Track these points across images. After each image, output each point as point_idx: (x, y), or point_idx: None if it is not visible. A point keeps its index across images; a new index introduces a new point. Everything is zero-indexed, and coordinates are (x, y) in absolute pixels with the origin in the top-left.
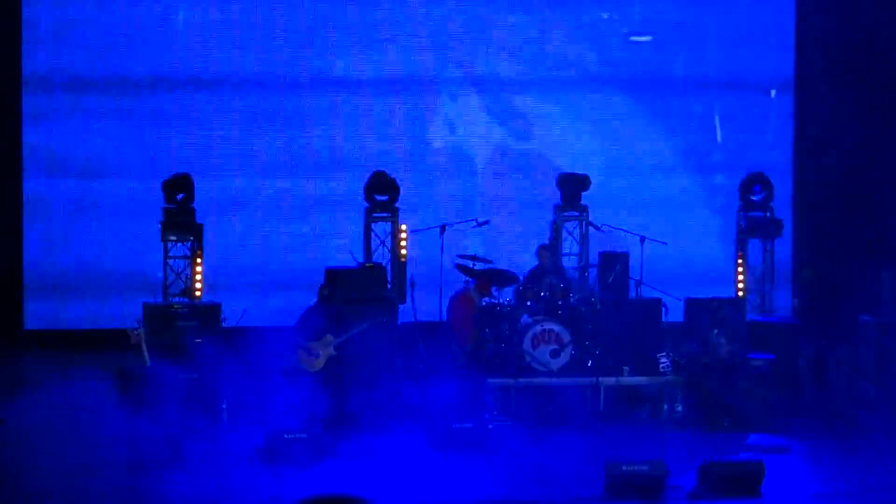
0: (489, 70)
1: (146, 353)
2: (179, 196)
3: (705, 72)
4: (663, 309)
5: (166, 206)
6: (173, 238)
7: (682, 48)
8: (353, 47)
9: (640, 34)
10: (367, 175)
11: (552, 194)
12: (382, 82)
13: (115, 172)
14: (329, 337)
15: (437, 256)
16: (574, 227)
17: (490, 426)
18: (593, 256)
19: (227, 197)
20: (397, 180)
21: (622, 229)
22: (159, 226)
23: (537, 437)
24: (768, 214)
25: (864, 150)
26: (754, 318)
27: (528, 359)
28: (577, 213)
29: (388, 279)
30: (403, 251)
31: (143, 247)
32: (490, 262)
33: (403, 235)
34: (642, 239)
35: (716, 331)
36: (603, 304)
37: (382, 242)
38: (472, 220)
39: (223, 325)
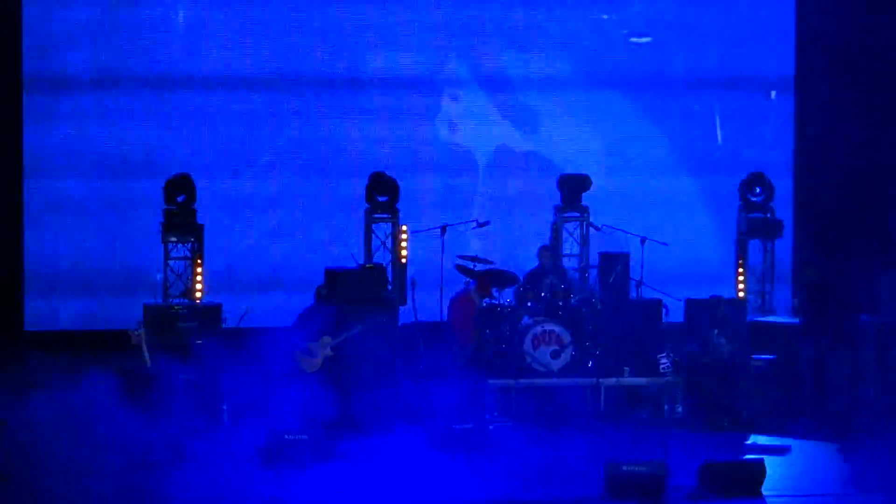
0: (490, 70)
1: (147, 355)
2: (180, 197)
3: (706, 71)
4: (664, 309)
5: (167, 207)
6: (174, 239)
7: (682, 48)
8: (354, 47)
9: (639, 35)
10: (368, 175)
11: (552, 195)
12: (383, 82)
13: (116, 172)
14: (326, 338)
15: (438, 257)
16: (574, 228)
17: (491, 427)
18: (594, 257)
19: (228, 196)
20: (398, 180)
21: (622, 230)
22: (160, 227)
23: (538, 437)
24: (768, 215)
25: (864, 149)
26: (754, 319)
27: (528, 359)
28: (577, 214)
29: (389, 280)
30: (404, 252)
31: (143, 247)
32: (491, 262)
33: (404, 236)
34: (643, 240)
35: (716, 331)
36: (603, 305)
37: (383, 243)
38: (473, 220)
39: (224, 325)
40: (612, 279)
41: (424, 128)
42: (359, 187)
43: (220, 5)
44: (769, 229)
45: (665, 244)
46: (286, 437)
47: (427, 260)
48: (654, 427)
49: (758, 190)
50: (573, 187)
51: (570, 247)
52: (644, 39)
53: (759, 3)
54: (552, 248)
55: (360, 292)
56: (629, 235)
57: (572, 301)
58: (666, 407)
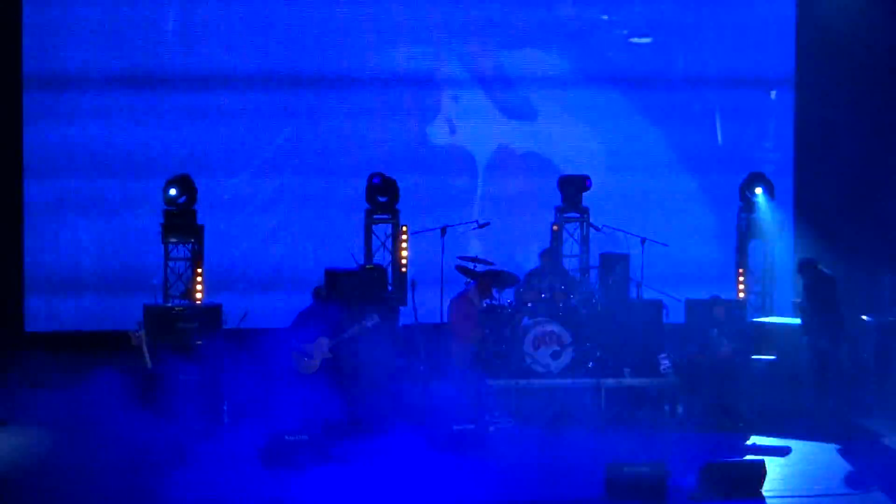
0: (489, 70)
1: (147, 355)
2: (181, 199)
3: (706, 70)
4: (664, 310)
5: (167, 208)
6: (174, 240)
7: (682, 47)
8: (354, 46)
9: (640, 36)
10: (368, 174)
11: (553, 195)
12: (383, 81)
13: (116, 172)
14: (323, 340)
15: (438, 258)
16: (575, 229)
17: (491, 428)
18: (594, 258)
19: (229, 195)
20: (398, 180)
21: (622, 230)
22: (160, 227)
23: (538, 438)
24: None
25: (865, 149)
26: (755, 319)
27: (528, 360)
28: (577, 215)
29: (389, 281)
30: (404, 253)
31: (144, 248)
32: (491, 263)
33: (404, 237)
34: (643, 240)
35: (716, 330)
36: (604, 306)
37: (383, 244)
38: (473, 221)
39: (224, 326)
40: (612, 280)
41: (424, 128)
42: (359, 187)
43: (221, 4)
44: (769, 230)
45: (665, 245)
46: (286, 438)
47: (427, 261)
48: (655, 428)
49: (761, 190)
50: (573, 188)
51: (570, 247)
52: (644, 40)
53: (759, 2)
54: (553, 250)
55: (361, 293)
56: (629, 236)
57: (572, 302)
58: (666, 408)
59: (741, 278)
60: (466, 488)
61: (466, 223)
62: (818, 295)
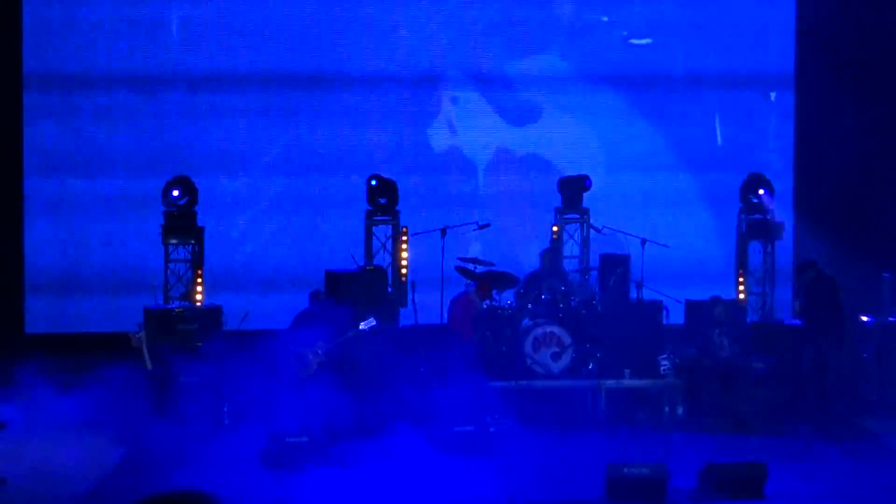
0: (489, 70)
1: (147, 357)
2: (182, 200)
3: (706, 70)
4: (664, 311)
5: (167, 209)
6: (174, 241)
7: (682, 46)
8: (354, 46)
9: (640, 37)
10: (368, 176)
11: (553, 195)
12: (383, 82)
13: (117, 171)
14: (320, 343)
15: (439, 259)
16: (575, 230)
17: (491, 429)
18: (594, 259)
19: (229, 196)
20: (398, 181)
21: (623, 232)
22: (161, 229)
23: (539, 439)
24: (769, 217)
25: (865, 149)
26: (755, 320)
27: (529, 361)
28: (577, 216)
29: (389, 282)
30: (404, 254)
31: (144, 248)
32: (492, 264)
33: (404, 238)
34: (643, 241)
35: (717, 330)
36: (604, 307)
37: (383, 245)
38: (474, 222)
39: (224, 328)
40: (612, 281)
41: (424, 129)
42: (359, 188)
43: (221, 3)
44: (769, 231)
45: (666, 246)
46: (287, 439)
47: (427, 262)
48: (655, 429)
49: (762, 192)
50: (573, 189)
51: (570, 248)
52: (644, 41)
53: (759, 1)
54: (554, 251)
55: (361, 294)
56: (629, 237)
57: (573, 303)
58: (667, 409)
59: (741, 279)
60: (467, 489)
61: (467, 224)
62: (819, 296)
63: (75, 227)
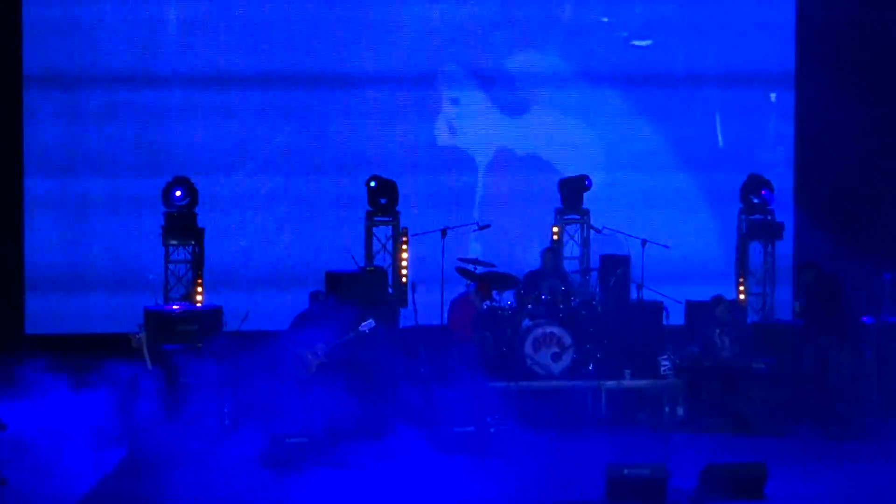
0: (489, 69)
1: (148, 358)
2: (183, 201)
3: (706, 68)
4: (664, 312)
5: (167, 209)
6: (174, 243)
7: (682, 46)
8: (354, 46)
9: (640, 38)
10: (368, 176)
11: (553, 195)
12: (383, 81)
13: (116, 171)
14: (320, 344)
15: (439, 259)
16: (575, 231)
17: (492, 430)
18: (594, 259)
19: (229, 195)
20: (398, 181)
21: (623, 232)
22: (161, 230)
23: (539, 440)
24: (769, 217)
25: (865, 148)
26: (756, 321)
27: (529, 362)
28: (578, 217)
29: (389, 283)
30: (405, 254)
31: (144, 249)
32: (492, 265)
33: (405, 239)
34: (643, 242)
35: (718, 330)
36: (604, 307)
37: (383, 246)
38: (474, 223)
39: (224, 328)
40: (612, 281)
41: (424, 129)
42: (359, 188)
43: (221, 3)
44: (769, 231)
45: (666, 247)
46: (287, 440)
47: (428, 262)
48: (655, 430)
49: (764, 194)
50: (574, 190)
51: (570, 249)
52: (645, 42)
53: (759, 0)
54: (555, 251)
55: (361, 295)
56: (629, 238)
57: (573, 303)
58: (667, 409)
59: (741, 279)
60: (467, 490)
61: (467, 224)
62: (820, 296)
63: (75, 227)
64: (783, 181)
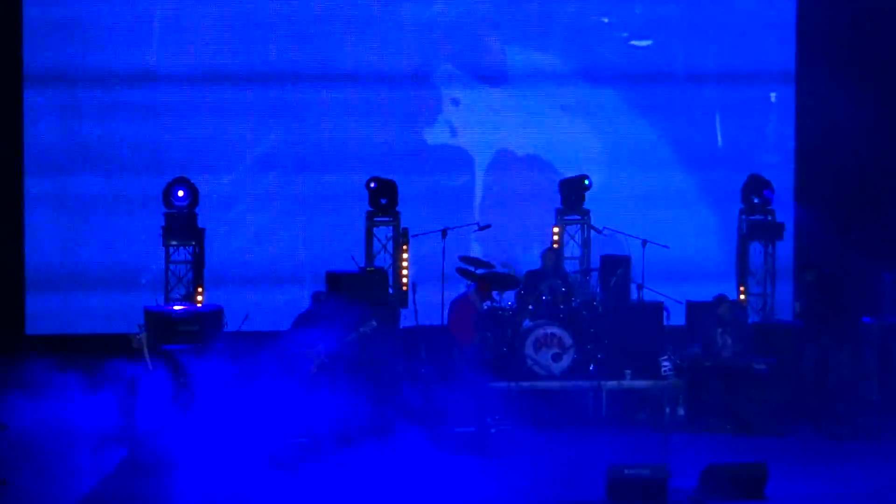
0: (490, 70)
1: (148, 358)
2: (185, 201)
3: (706, 67)
4: (665, 312)
5: (168, 210)
6: (175, 243)
7: (682, 45)
8: (354, 45)
9: (640, 38)
10: (369, 176)
11: (554, 195)
12: (383, 80)
13: (116, 170)
14: (321, 345)
15: (439, 260)
16: (576, 231)
17: (492, 430)
18: (595, 260)
19: (229, 194)
20: (398, 181)
21: (623, 233)
22: (161, 230)
23: (540, 440)
24: (769, 217)
25: (866, 148)
26: (756, 321)
27: (530, 362)
28: (578, 217)
29: (390, 283)
30: (405, 255)
31: (145, 248)
32: (492, 266)
33: (405, 247)
34: (644, 242)
35: (720, 329)
36: (605, 308)
37: (384, 246)
38: (474, 223)
39: (225, 329)
40: (613, 282)
41: (424, 128)
42: (359, 187)
43: (221, 2)
44: (770, 232)
45: (666, 247)
46: (288, 440)
47: (428, 263)
48: (656, 430)
49: (765, 194)
50: (574, 190)
51: (571, 249)
52: (645, 43)
53: None
54: (556, 251)
55: (361, 295)
56: (630, 238)
57: (574, 304)
58: (667, 410)
59: (742, 279)
60: (468, 490)
61: (467, 225)
62: (821, 296)
63: (75, 227)
64: (783, 181)
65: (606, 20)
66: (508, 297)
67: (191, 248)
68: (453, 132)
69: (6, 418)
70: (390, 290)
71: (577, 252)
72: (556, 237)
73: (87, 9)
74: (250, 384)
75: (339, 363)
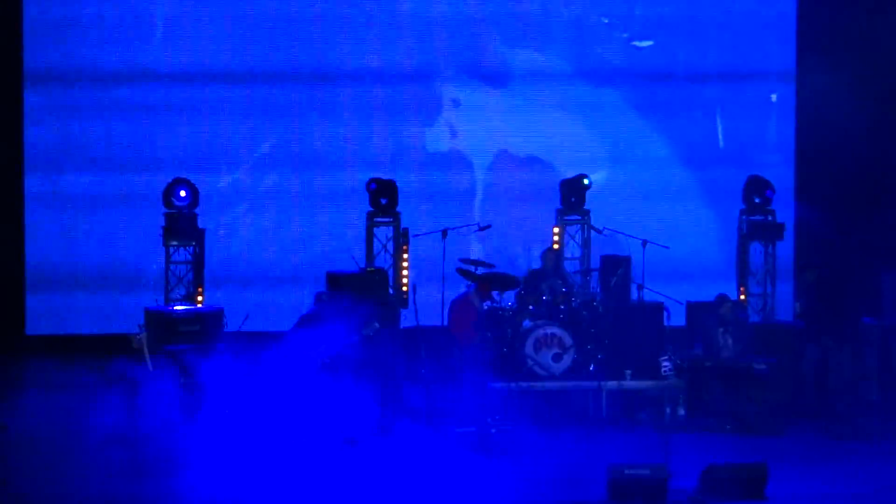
0: (491, 70)
1: (148, 359)
2: (187, 201)
3: (707, 67)
4: (665, 312)
5: (168, 210)
6: (175, 243)
7: (683, 44)
8: (354, 44)
9: (641, 38)
10: (369, 174)
11: (553, 195)
12: (383, 80)
13: (118, 167)
14: (323, 346)
15: (439, 260)
16: (576, 231)
17: (493, 430)
18: (595, 260)
19: (229, 194)
20: (398, 181)
21: (623, 233)
22: (161, 230)
23: (540, 441)
24: (769, 218)
25: (867, 148)
26: (756, 321)
27: (530, 363)
28: (578, 217)
29: (390, 283)
30: (405, 255)
31: (145, 248)
32: (493, 266)
33: (405, 248)
34: (644, 242)
35: (721, 329)
36: (605, 308)
37: (384, 246)
38: (475, 224)
39: (225, 329)
40: (613, 282)
41: (425, 128)
42: (359, 187)
43: (222, 1)
44: (770, 232)
45: (666, 247)
46: (289, 441)
47: (428, 263)
48: (656, 430)
49: (767, 195)
50: (574, 191)
51: (571, 249)
52: (645, 43)
53: None
54: (556, 251)
55: (362, 296)
56: (630, 238)
57: (574, 304)
58: (668, 410)
59: (742, 280)
60: (468, 491)
61: (467, 225)
62: (821, 296)
63: (75, 227)
64: (784, 181)
65: (606, 20)
66: (508, 298)
67: (191, 248)
68: (453, 132)
69: (6, 418)
70: (390, 291)
71: (577, 252)
72: (556, 237)
73: (87, 8)
74: (253, 384)
75: (341, 364)
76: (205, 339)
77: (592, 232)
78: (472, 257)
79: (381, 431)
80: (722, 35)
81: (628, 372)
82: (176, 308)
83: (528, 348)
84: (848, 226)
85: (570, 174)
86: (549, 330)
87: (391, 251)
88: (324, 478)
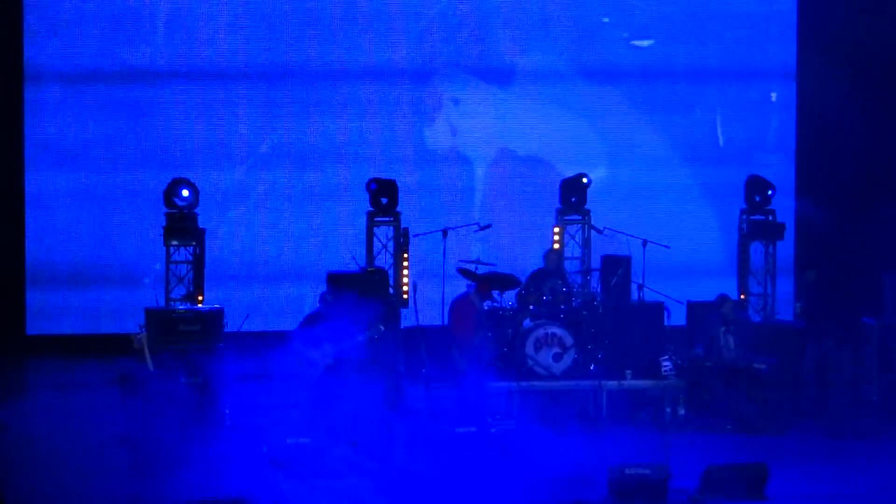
0: (492, 69)
1: (149, 359)
2: (186, 201)
3: (707, 66)
4: (665, 312)
5: (169, 209)
6: (175, 243)
7: (683, 43)
8: (354, 43)
9: (641, 36)
10: (369, 173)
11: (554, 195)
12: (383, 79)
13: (118, 165)
14: (328, 346)
15: (440, 260)
16: (576, 231)
17: (493, 430)
18: (595, 260)
19: (229, 193)
20: (398, 180)
21: (624, 233)
22: (162, 230)
23: (540, 440)
24: (770, 217)
25: (867, 147)
26: (757, 321)
27: (530, 362)
28: (579, 217)
29: (391, 283)
30: (406, 254)
31: (145, 245)
32: (493, 266)
33: (405, 254)
34: (644, 242)
35: (723, 329)
36: (605, 308)
37: (384, 246)
38: (475, 223)
39: (225, 329)
40: (614, 282)
41: (425, 128)
42: (359, 187)
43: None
44: (771, 232)
45: (667, 247)
46: (290, 441)
47: (429, 263)
48: (657, 430)
49: (769, 193)
50: (574, 190)
51: (571, 249)
52: (645, 43)
53: None
54: (558, 251)
55: (363, 296)
56: (630, 238)
57: (574, 304)
58: (668, 410)
59: (742, 279)
60: (468, 491)
61: (468, 225)
62: (822, 297)
63: (76, 226)
64: (784, 180)
65: (607, 19)
66: (509, 297)
67: (191, 248)
68: (454, 132)
69: (6, 418)
70: (391, 290)
71: (577, 252)
72: (556, 237)
73: (87, 6)
74: (253, 385)
75: (345, 364)
76: (205, 339)
77: (593, 232)
78: (473, 257)
79: (378, 431)
80: (722, 34)
81: (629, 372)
82: (176, 308)
83: (529, 348)
84: (848, 225)
85: (570, 173)
86: (550, 329)
87: (391, 251)
88: (324, 478)
